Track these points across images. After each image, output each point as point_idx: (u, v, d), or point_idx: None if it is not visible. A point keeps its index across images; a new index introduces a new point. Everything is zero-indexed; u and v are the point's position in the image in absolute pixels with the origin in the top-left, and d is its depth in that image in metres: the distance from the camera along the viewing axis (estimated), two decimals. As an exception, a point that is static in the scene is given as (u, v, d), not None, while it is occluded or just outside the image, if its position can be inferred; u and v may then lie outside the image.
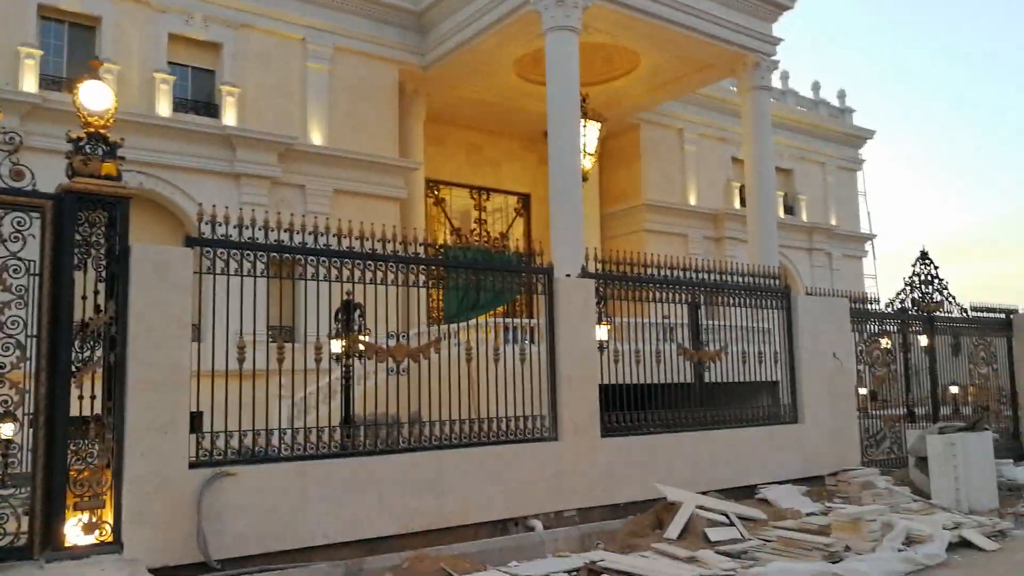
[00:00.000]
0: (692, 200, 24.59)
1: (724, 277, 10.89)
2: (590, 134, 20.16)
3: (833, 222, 28.24)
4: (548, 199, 16.24)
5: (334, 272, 7.74)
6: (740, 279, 11.08)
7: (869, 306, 13.02)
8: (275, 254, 7.48)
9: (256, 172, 16.61)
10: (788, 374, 11.38)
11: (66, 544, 5.91)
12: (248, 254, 7.26)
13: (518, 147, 23.31)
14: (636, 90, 21.44)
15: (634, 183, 23.86)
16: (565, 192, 15.70)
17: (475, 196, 23.13)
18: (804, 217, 27.35)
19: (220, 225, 7.12)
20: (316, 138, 17.83)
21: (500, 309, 19.01)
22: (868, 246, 29.60)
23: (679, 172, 24.59)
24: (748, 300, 11.23)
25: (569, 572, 6.49)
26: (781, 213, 24.74)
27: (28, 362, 6.07)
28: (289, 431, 7.27)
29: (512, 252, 21.14)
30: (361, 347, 8.07)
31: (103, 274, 6.50)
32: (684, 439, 9.87)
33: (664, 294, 10.17)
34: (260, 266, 7.34)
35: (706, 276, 10.65)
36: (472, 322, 11.57)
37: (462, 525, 7.91)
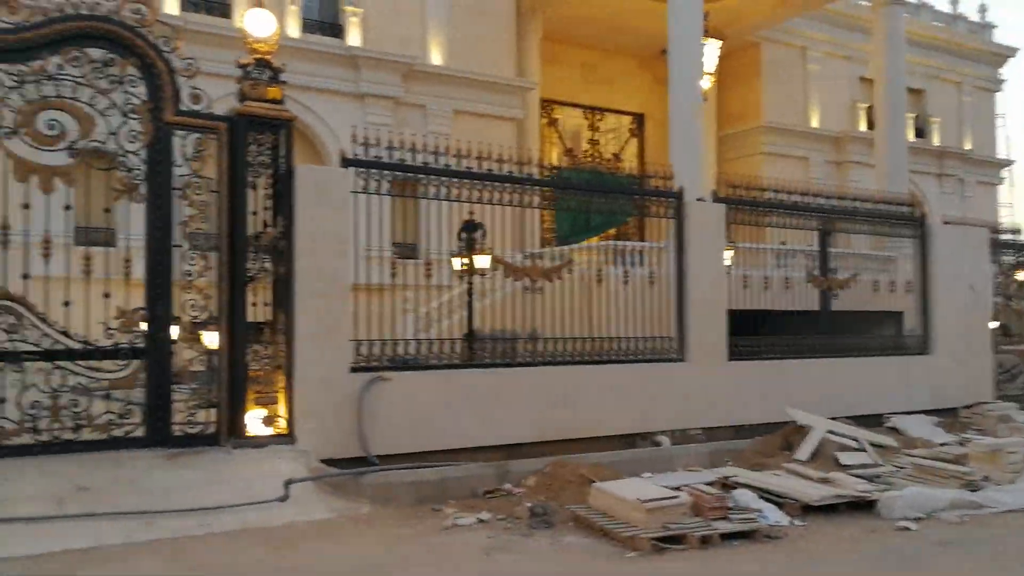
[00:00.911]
0: (814, 122, 23.59)
1: (855, 204, 10.63)
2: (709, 52, 19.35)
3: (967, 146, 26.54)
4: (663, 120, 15.99)
5: (470, 193, 8.02)
6: (872, 206, 10.79)
7: (1010, 236, 12.44)
8: (422, 176, 7.80)
9: (380, 92, 16.96)
10: (920, 304, 11.09)
11: (248, 434, 6.59)
12: (398, 174, 7.63)
13: (634, 66, 22.76)
14: (759, 6, 20.45)
15: (753, 104, 23.04)
16: (685, 114, 15.36)
17: (588, 116, 22.84)
18: (936, 141, 25.80)
19: (372, 147, 7.48)
20: (436, 58, 17.96)
21: (611, 231, 19.07)
22: (1005, 172, 27.80)
23: (801, 92, 23.55)
24: (880, 228, 10.97)
25: (705, 485, 6.76)
26: (911, 136, 23.43)
27: (211, 271, 6.67)
28: (436, 342, 7.73)
29: (630, 175, 21.07)
30: (501, 266, 8.38)
31: (270, 192, 6.99)
32: (811, 365, 9.86)
33: (795, 220, 10.06)
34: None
35: (836, 202, 10.42)
36: (595, 244, 11.75)
37: (592, 437, 8.27)
